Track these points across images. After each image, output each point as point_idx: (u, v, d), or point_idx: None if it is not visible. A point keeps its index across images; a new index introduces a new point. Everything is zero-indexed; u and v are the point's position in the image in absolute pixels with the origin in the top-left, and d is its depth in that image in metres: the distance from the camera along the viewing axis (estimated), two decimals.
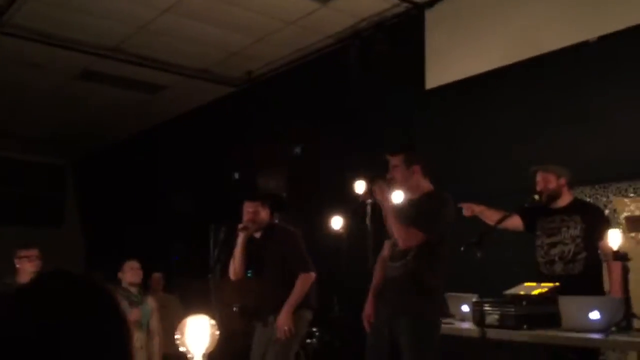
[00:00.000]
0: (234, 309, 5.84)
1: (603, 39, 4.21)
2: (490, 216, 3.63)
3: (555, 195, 3.58)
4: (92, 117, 8.63)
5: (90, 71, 6.96)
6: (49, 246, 4.86)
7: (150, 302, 4.88)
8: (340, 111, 6.16)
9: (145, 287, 6.21)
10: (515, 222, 3.69)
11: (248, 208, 4.14)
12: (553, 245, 3.57)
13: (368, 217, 4.49)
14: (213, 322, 1.59)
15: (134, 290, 4.76)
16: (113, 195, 9.69)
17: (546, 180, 3.59)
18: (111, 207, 9.71)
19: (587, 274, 3.42)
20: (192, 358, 1.52)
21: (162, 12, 5.58)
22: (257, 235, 4.21)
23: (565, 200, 3.61)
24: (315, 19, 5.73)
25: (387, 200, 3.22)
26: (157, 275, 6.35)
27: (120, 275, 4.78)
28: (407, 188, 3.30)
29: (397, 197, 3.29)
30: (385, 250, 3.51)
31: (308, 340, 5.11)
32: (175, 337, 1.54)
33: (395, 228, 3.19)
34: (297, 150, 6.43)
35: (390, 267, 3.34)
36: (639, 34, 4.02)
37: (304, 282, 4.01)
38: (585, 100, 4.35)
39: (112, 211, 9.64)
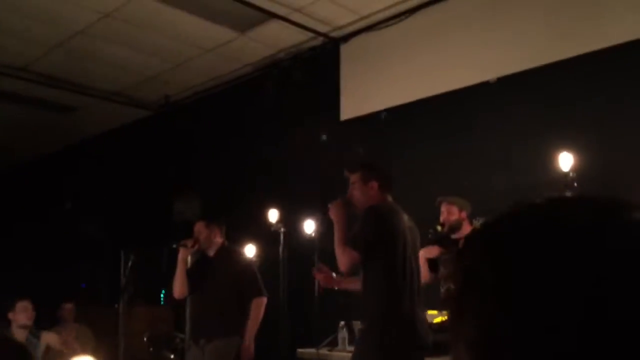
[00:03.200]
0: (144, 338, 5.68)
1: (501, 79, 4.51)
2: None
3: (456, 227, 3.77)
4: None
5: None
6: None
7: (44, 339, 4.64)
8: (257, 139, 6.21)
9: (55, 318, 5.94)
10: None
11: (194, 227, 4.15)
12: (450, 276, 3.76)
13: (281, 245, 4.56)
14: None
15: (24, 333, 4.48)
16: (20, 220, 9.21)
17: (449, 212, 3.79)
18: (18, 232, 9.21)
19: None
20: None
21: (75, 34, 5.46)
22: (211, 253, 4.18)
23: (464, 232, 3.80)
24: (233, 48, 5.79)
25: (340, 220, 3.12)
26: (68, 306, 6.07)
27: (11, 315, 4.49)
28: (365, 205, 3.17)
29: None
30: None
31: None
32: None
33: (337, 251, 3.06)
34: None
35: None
36: (535, 76, 4.35)
37: (259, 306, 4.02)
38: (488, 136, 4.63)
39: (18, 237, 9.15)
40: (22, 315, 4.45)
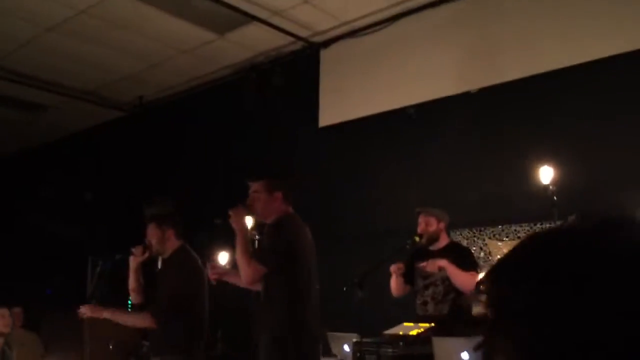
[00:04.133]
0: (110, 345, 5.51)
1: (482, 91, 4.49)
2: None
3: (434, 238, 3.71)
4: None
5: None
6: None
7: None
8: (233, 142, 6.10)
9: None
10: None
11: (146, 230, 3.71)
12: (426, 287, 3.69)
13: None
14: None
15: (0, 340, 4.38)
16: None
17: (427, 223, 3.72)
18: None
19: (455, 314, 3.54)
20: None
21: (45, 31, 5.29)
22: (166, 257, 3.69)
23: (442, 243, 3.75)
24: (212, 49, 5.67)
25: (243, 229, 3.02)
26: (16, 311, 5.84)
27: None
28: (267, 216, 3.11)
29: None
30: None
31: None
32: None
33: (240, 261, 2.96)
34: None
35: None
36: (517, 87, 4.33)
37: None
38: (464, 146, 4.59)
39: None
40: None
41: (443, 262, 3.56)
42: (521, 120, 4.35)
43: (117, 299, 6.36)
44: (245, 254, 2.94)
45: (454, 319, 3.50)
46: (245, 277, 2.94)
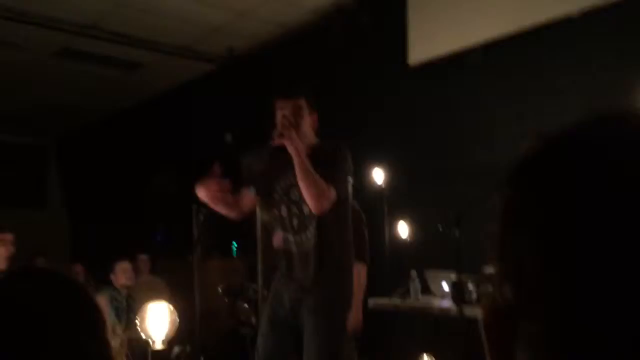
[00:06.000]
0: (219, 289, 5.81)
1: (585, 14, 4.13)
2: None
3: None
4: (71, 96, 8.47)
5: (67, 49, 6.80)
6: (32, 229, 4.80)
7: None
8: (324, 88, 6.06)
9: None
10: None
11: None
12: None
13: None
14: (172, 308, 1.56)
15: (124, 292, 4.78)
16: (96, 176, 9.58)
17: None
18: (94, 188, 9.61)
19: None
20: (153, 343, 1.48)
21: None
22: None
23: None
24: None
25: (299, 147, 2.51)
26: (142, 258, 6.30)
27: (112, 277, 4.78)
28: (311, 139, 2.71)
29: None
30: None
31: None
32: (136, 322, 1.50)
33: (307, 185, 2.47)
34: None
35: (295, 241, 2.66)
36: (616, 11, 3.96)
37: None
38: (578, 75, 4.28)
39: (96, 192, 9.54)
40: (122, 276, 4.74)
41: None
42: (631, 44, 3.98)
43: (221, 244, 6.68)
44: (313, 174, 2.47)
45: None
46: (322, 203, 2.45)
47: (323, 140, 2.75)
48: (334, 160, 2.60)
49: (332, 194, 2.48)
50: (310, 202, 2.46)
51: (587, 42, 4.18)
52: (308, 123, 2.67)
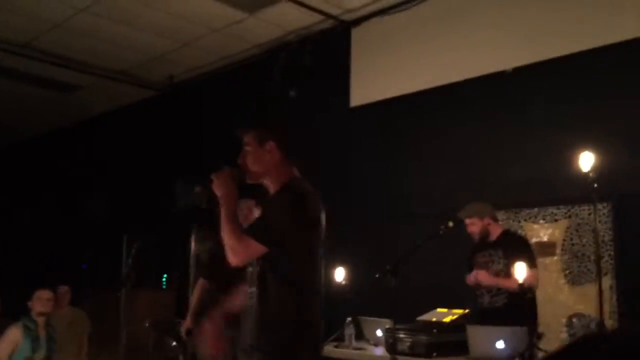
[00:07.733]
0: (146, 324, 5.62)
1: (517, 70, 4.35)
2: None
3: (485, 234, 3.71)
4: (1, 114, 8.13)
5: None
6: None
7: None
8: (262, 121, 6.06)
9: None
10: None
11: None
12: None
13: None
14: None
15: (41, 320, 4.60)
16: (21, 196, 9.14)
17: (472, 225, 3.71)
18: (19, 209, 9.15)
19: (510, 306, 3.51)
20: None
21: (78, 11, 5.31)
22: None
23: (495, 234, 3.76)
24: (241, 28, 5.63)
25: (230, 196, 2.31)
26: (63, 289, 5.98)
27: (30, 304, 4.61)
28: (265, 176, 2.42)
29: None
30: None
31: None
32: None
33: (225, 235, 2.25)
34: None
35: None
36: (550, 67, 4.19)
37: None
38: (501, 127, 4.48)
39: (20, 214, 9.08)
40: (39, 304, 4.59)
41: (481, 276, 3.57)
42: (559, 101, 4.21)
43: (151, 275, 6.50)
44: (233, 224, 2.25)
45: (508, 311, 3.46)
46: (237, 256, 2.24)
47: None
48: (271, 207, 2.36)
49: (252, 249, 2.25)
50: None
51: (522, 96, 4.40)
52: (261, 157, 2.42)
